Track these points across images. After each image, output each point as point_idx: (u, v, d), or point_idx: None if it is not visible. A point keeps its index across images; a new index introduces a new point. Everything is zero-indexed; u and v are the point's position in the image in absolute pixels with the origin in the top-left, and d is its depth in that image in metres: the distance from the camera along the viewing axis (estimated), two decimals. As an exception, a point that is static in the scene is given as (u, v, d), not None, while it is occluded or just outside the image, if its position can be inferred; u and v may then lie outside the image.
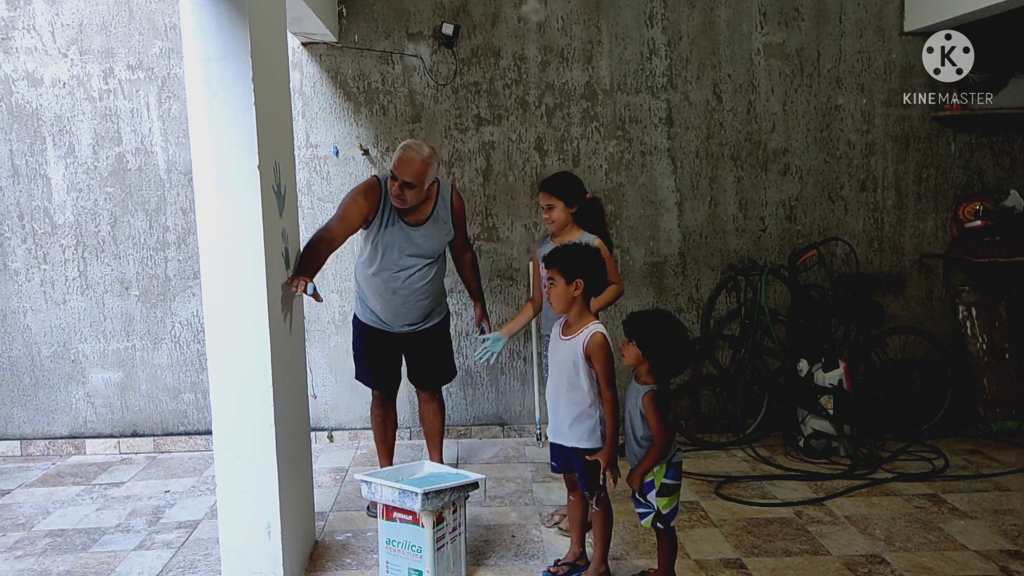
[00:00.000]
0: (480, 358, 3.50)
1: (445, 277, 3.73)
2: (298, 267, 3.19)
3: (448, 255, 3.75)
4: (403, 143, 3.40)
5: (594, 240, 3.32)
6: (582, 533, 3.15)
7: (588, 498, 2.99)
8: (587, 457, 2.87)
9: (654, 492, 2.79)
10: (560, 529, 3.48)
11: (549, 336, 3.13)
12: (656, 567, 2.96)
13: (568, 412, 2.90)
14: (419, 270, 3.49)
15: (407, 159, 3.32)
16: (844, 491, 3.90)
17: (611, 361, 2.83)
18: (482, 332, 3.80)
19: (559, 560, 3.15)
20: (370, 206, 3.42)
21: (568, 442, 2.93)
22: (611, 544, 3.06)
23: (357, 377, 3.79)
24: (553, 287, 2.86)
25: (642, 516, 2.86)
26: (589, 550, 3.11)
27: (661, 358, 2.73)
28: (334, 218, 3.43)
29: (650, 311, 2.93)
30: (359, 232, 3.54)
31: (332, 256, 4.65)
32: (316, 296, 3.09)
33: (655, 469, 2.77)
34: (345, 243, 4.35)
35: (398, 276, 3.47)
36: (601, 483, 2.89)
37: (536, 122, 4.70)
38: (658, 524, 2.82)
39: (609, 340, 2.83)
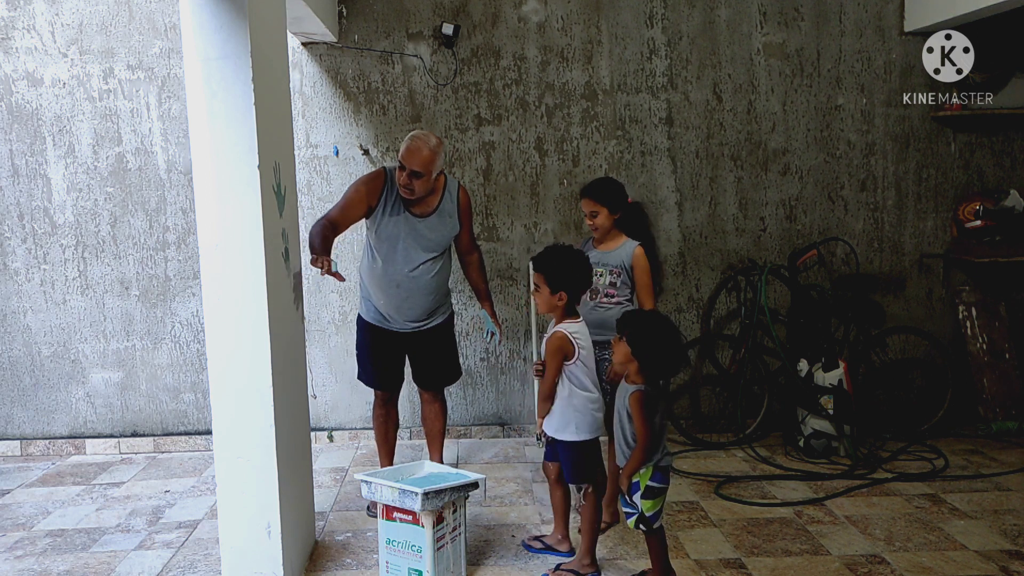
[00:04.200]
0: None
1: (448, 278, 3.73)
2: (312, 248, 3.23)
3: (454, 256, 3.75)
4: (411, 133, 3.44)
5: (635, 247, 3.33)
6: (565, 517, 3.23)
7: (576, 492, 3.03)
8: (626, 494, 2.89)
9: (639, 494, 2.79)
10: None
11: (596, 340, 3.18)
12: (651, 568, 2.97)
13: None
14: (423, 264, 3.49)
15: (415, 148, 3.34)
16: (844, 491, 3.90)
17: (556, 360, 2.92)
18: (492, 336, 3.78)
19: (541, 536, 3.25)
20: (374, 194, 3.45)
21: (548, 431, 3.07)
22: (613, 544, 3.07)
23: (359, 377, 3.79)
24: (538, 292, 2.96)
25: (627, 516, 2.88)
26: (576, 536, 3.19)
27: (650, 359, 2.74)
28: (338, 204, 3.47)
29: (645, 311, 2.97)
30: (361, 228, 3.55)
31: (332, 256, 4.69)
32: (338, 276, 3.18)
33: (641, 471, 2.78)
34: (346, 244, 4.35)
35: (402, 268, 3.47)
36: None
37: (536, 122, 4.70)
38: (641, 526, 2.83)
39: (570, 340, 2.92)
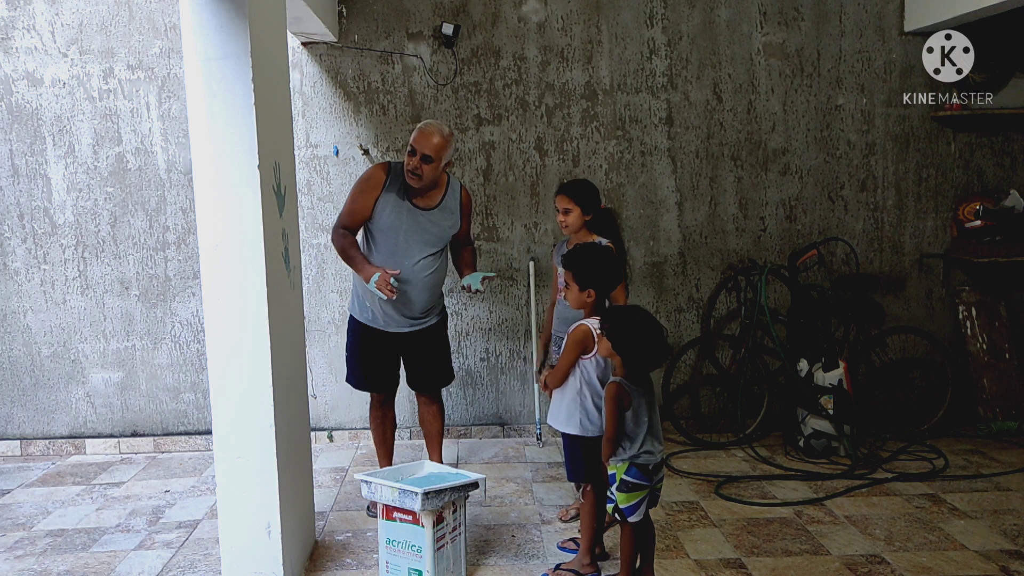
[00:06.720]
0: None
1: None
2: (361, 264, 3.40)
3: (450, 259, 3.75)
4: (423, 121, 3.50)
5: (605, 243, 3.36)
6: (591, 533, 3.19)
7: (575, 489, 3.04)
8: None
9: (615, 486, 2.84)
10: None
11: (561, 336, 3.19)
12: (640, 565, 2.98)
13: (558, 395, 3.05)
14: (422, 260, 3.49)
15: (428, 132, 3.38)
16: (844, 491, 3.90)
17: (575, 351, 2.95)
18: (487, 280, 3.64)
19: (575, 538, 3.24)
20: (377, 188, 3.48)
21: (552, 422, 3.08)
22: (613, 544, 3.07)
23: (348, 380, 3.74)
24: (568, 289, 3.01)
25: (608, 502, 2.93)
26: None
27: (630, 352, 2.78)
28: (346, 209, 3.52)
29: (625, 307, 3.02)
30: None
31: (332, 257, 4.70)
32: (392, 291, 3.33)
33: (618, 464, 2.82)
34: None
35: (401, 262, 3.46)
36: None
37: (536, 122, 4.70)
38: (616, 515, 2.88)
39: (592, 336, 2.93)
